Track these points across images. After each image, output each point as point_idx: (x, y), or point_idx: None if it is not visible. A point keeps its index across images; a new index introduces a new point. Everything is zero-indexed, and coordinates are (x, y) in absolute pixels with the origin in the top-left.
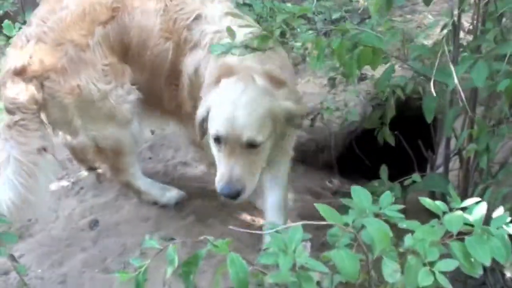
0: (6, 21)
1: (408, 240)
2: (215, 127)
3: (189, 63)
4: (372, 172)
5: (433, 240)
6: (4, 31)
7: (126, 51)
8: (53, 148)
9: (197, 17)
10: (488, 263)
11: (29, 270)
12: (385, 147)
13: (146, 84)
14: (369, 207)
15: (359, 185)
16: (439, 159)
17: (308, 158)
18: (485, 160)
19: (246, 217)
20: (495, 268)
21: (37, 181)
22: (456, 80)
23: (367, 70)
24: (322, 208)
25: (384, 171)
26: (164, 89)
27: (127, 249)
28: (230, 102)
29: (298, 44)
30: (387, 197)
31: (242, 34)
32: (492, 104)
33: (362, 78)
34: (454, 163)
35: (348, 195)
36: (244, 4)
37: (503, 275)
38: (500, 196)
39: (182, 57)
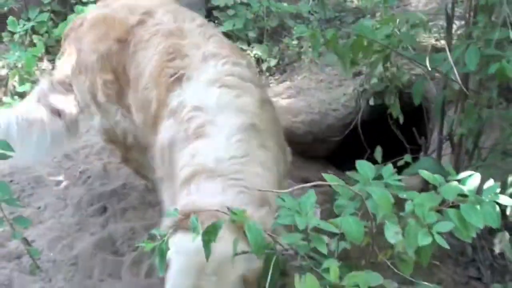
0: (10, 18)
1: (408, 205)
2: None
3: (164, 131)
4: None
5: (431, 205)
6: (9, 28)
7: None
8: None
9: (179, 78)
10: (481, 226)
11: (41, 254)
12: (380, 139)
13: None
14: (373, 177)
15: None
16: (433, 145)
17: (305, 150)
18: (470, 142)
19: None
20: (485, 246)
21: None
22: (452, 65)
23: (361, 66)
24: (329, 177)
25: (378, 152)
26: (149, 135)
27: (136, 233)
28: (193, 268)
29: (294, 42)
30: (388, 169)
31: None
32: (481, 91)
33: (357, 73)
34: (446, 149)
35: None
36: (242, 3)
37: (492, 251)
38: (488, 178)
39: (161, 117)
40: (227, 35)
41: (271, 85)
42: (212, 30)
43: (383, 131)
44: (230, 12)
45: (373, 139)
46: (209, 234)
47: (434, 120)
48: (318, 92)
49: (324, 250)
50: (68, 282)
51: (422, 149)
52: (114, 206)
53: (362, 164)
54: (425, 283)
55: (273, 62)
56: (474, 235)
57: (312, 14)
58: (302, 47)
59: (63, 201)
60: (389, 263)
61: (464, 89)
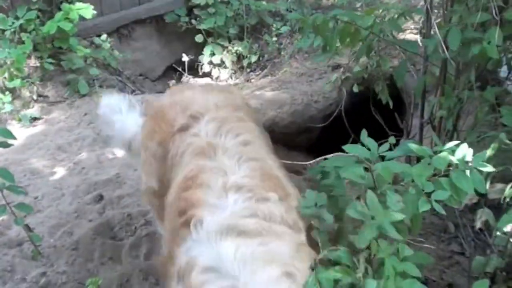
0: (0, 15)
1: (406, 176)
2: None
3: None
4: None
5: (429, 175)
6: None
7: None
8: None
9: (187, 221)
10: (471, 192)
11: (42, 241)
12: (361, 127)
13: None
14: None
15: None
16: (414, 130)
17: (290, 140)
18: (450, 122)
19: None
20: (466, 224)
21: None
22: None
23: (340, 59)
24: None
25: (364, 134)
26: None
27: (133, 219)
28: None
29: (274, 39)
30: (385, 145)
31: None
32: (460, 75)
33: (336, 66)
34: (427, 132)
35: None
36: (222, 1)
37: (473, 228)
38: None
39: (170, 276)
40: (208, 32)
41: (252, 80)
42: (256, 152)
43: (363, 120)
44: (211, 10)
45: (353, 128)
46: None
47: (415, 106)
48: (300, 85)
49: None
50: (70, 266)
51: (404, 133)
52: (110, 194)
53: (350, 148)
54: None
55: (254, 58)
56: (464, 201)
57: (290, 12)
58: (281, 43)
59: (60, 191)
60: None
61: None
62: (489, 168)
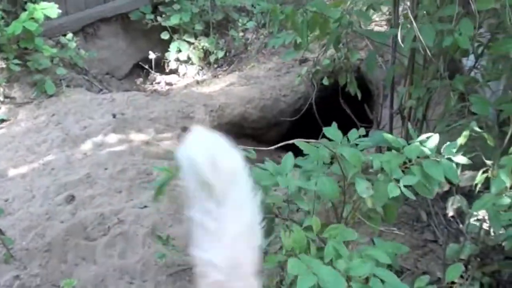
0: None
1: (375, 163)
2: None
3: None
4: None
5: (398, 162)
6: None
7: None
8: None
9: None
10: (442, 179)
11: (14, 244)
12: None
13: None
14: (341, 140)
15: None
16: (383, 121)
17: (260, 135)
18: (420, 112)
19: None
20: (438, 212)
21: None
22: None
23: (306, 53)
24: (301, 144)
25: (334, 126)
26: None
27: (106, 218)
28: None
29: (241, 34)
30: (354, 133)
31: None
32: (428, 64)
33: (304, 60)
34: (397, 122)
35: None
36: None
37: (445, 216)
38: None
39: None
40: (174, 29)
41: (220, 76)
42: None
43: (333, 112)
44: (176, 6)
45: (323, 120)
46: None
47: (384, 96)
48: (268, 80)
49: (306, 207)
50: (43, 268)
51: (374, 124)
52: (81, 194)
53: (329, 130)
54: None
55: (220, 54)
56: (437, 189)
57: (254, 7)
58: (248, 39)
59: (30, 192)
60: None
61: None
62: (461, 159)
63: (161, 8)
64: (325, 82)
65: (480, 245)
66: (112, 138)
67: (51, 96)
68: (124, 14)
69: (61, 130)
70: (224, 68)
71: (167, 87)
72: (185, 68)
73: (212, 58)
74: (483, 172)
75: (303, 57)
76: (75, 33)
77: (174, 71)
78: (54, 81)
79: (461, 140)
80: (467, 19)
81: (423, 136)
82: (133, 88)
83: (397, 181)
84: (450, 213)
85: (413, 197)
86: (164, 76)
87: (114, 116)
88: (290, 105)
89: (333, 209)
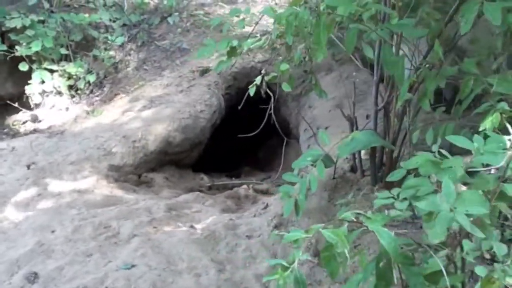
0: None
1: None
2: None
3: None
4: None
5: None
6: None
7: None
8: None
9: None
10: None
11: None
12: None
13: None
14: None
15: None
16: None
17: (182, 158)
18: (399, 103)
19: None
20: None
21: None
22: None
23: (202, 62)
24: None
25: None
26: None
27: None
28: None
29: (112, 52)
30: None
31: None
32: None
33: (205, 70)
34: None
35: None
36: (39, 21)
37: None
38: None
39: None
40: (30, 58)
41: (109, 102)
42: None
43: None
44: (30, 32)
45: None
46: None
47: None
48: (176, 97)
49: None
50: None
51: (350, 124)
52: (43, 268)
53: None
54: None
55: (91, 78)
56: None
57: (114, 22)
58: (114, 57)
59: None
60: None
61: None
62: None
63: (12, 36)
64: (285, 88)
65: None
66: (37, 192)
67: None
68: None
69: None
70: (98, 93)
71: (48, 124)
72: (53, 100)
73: (81, 84)
74: None
75: (200, 67)
76: None
77: (39, 105)
78: None
79: (487, 124)
80: None
81: None
82: (4, 132)
83: None
84: None
85: None
86: (30, 112)
87: (28, 167)
88: (208, 121)
89: None
